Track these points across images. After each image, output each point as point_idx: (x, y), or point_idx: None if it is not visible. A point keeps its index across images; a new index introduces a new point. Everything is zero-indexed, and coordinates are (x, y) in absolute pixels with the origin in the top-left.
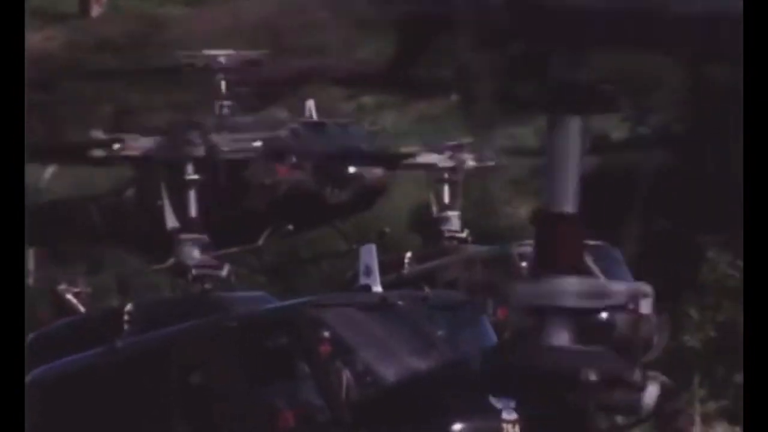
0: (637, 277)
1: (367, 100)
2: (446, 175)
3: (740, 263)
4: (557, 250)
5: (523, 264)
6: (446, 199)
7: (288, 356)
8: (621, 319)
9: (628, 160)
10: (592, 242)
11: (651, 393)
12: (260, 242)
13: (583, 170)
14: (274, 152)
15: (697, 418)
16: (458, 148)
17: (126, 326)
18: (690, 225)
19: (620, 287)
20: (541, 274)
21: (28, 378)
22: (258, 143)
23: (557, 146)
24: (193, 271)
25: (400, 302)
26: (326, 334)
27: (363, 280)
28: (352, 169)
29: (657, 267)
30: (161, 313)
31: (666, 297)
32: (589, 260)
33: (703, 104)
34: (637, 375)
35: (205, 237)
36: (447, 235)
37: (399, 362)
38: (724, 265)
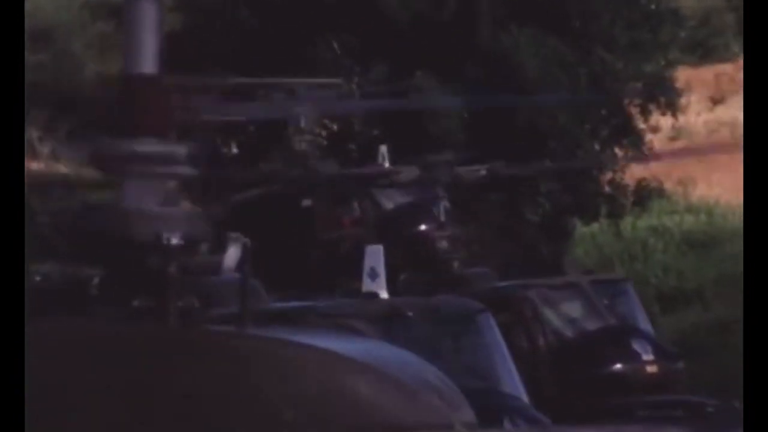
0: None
1: None
2: None
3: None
4: (136, 111)
5: None
6: None
7: None
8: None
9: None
10: (604, 276)
11: (231, 254)
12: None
13: (164, 29)
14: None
15: None
16: None
17: None
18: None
19: (187, 150)
20: (121, 136)
21: None
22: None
23: (133, 4)
24: None
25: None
26: None
27: (368, 286)
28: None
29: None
30: None
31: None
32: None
33: None
34: (217, 237)
35: None
36: None
37: None
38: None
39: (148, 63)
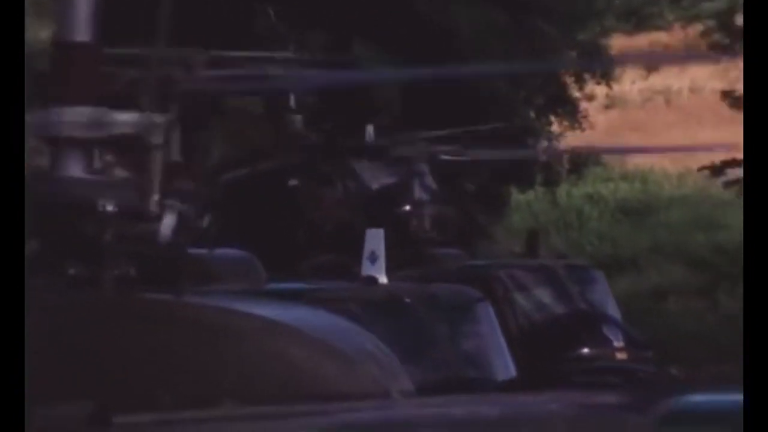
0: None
1: None
2: None
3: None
4: (69, 79)
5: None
6: None
7: None
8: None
9: None
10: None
11: (167, 223)
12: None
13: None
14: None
15: None
16: None
17: None
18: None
19: (128, 118)
20: (53, 103)
21: None
22: None
23: None
24: None
25: (407, 300)
26: None
27: (367, 270)
28: (407, 208)
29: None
30: None
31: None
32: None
33: None
34: (154, 205)
35: None
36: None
37: None
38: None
39: (82, 30)
